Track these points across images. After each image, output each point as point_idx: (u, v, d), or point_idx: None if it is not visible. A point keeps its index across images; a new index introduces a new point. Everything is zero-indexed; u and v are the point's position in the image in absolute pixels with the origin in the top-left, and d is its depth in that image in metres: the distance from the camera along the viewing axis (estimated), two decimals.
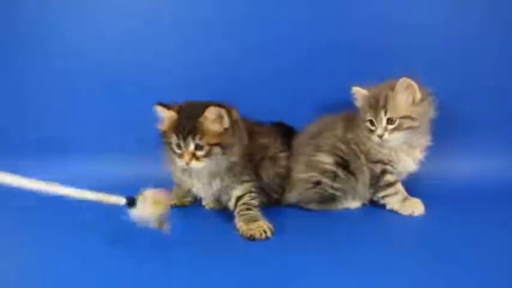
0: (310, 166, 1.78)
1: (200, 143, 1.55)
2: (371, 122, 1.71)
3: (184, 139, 1.55)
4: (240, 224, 1.57)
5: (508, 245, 1.46)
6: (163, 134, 1.61)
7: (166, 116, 1.60)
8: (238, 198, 1.65)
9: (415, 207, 1.72)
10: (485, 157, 2.05)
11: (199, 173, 1.64)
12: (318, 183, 1.77)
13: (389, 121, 1.67)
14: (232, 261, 1.38)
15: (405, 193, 1.76)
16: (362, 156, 1.76)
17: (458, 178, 2.00)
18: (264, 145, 1.79)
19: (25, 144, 2.16)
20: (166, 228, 1.40)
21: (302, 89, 2.07)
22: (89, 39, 2.11)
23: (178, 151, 1.58)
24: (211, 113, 1.54)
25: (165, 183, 1.59)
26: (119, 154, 2.13)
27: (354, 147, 1.76)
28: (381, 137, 1.68)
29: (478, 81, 2.05)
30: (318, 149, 1.79)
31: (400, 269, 1.32)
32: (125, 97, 2.12)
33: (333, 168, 1.76)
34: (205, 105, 1.55)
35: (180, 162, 1.58)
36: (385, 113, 1.66)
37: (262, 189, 1.73)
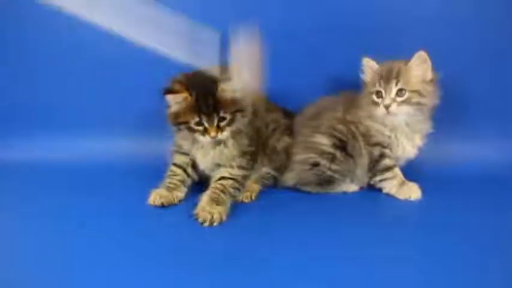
0: (308, 147, 1.77)
1: (223, 115, 1.57)
2: (378, 93, 1.69)
3: (209, 116, 1.56)
4: (203, 197, 1.57)
5: (502, 229, 1.47)
6: (177, 116, 1.58)
7: (178, 100, 1.56)
8: (222, 178, 1.64)
9: (412, 192, 1.72)
10: (484, 143, 2.05)
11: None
12: (315, 164, 1.75)
13: (399, 92, 1.65)
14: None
15: (403, 177, 1.76)
16: (361, 139, 1.75)
17: (457, 163, 2.00)
18: (273, 118, 1.83)
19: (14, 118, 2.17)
20: None
21: (299, 71, 2.06)
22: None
23: (199, 128, 1.58)
24: (227, 85, 1.56)
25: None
26: (108, 129, 2.15)
27: (353, 128, 1.75)
28: (387, 107, 1.66)
29: (477, 66, 2.04)
30: (316, 130, 1.78)
31: (393, 254, 1.32)
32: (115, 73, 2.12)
33: (331, 149, 1.75)
34: (214, 78, 1.57)
35: (204, 139, 1.58)
36: (396, 83, 1.65)
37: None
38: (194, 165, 1.71)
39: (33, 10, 2.06)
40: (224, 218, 1.50)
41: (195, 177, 1.73)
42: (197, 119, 1.56)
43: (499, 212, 1.60)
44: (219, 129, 1.57)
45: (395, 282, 1.17)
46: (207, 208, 1.51)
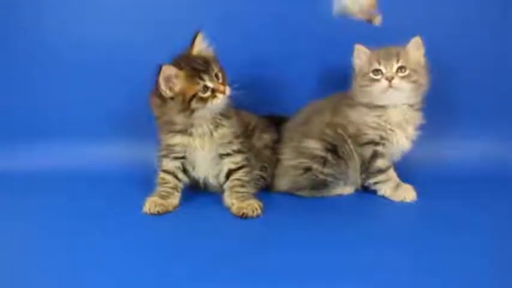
0: (300, 152, 1.77)
1: (216, 70, 1.60)
2: (376, 71, 1.68)
3: (209, 74, 1.58)
4: (232, 201, 1.62)
5: (498, 230, 1.46)
6: (184, 92, 1.56)
7: (173, 73, 1.55)
8: (231, 172, 1.67)
9: (407, 194, 1.71)
10: (480, 143, 2.03)
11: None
12: (308, 169, 1.75)
13: (400, 70, 1.67)
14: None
15: (397, 179, 1.74)
16: (350, 141, 1.74)
17: (453, 164, 1.98)
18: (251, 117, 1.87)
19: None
20: (378, 21, 1.47)
21: (291, 73, 2.05)
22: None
23: (207, 94, 1.57)
24: (198, 44, 1.61)
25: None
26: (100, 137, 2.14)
27: (341, 131, 1.75)
28: (390, 80, 1.66)
29: (474, 65, 2.02)
30: (306, 135, 1.77)
31: (388, 258, 1.31)
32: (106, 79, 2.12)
33: (322, 153, 1.74)
34: (187, 48, 1.62)
35: (218, 101, 1.58)
36: (397, 61, 1.67)
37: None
38: (185, 170, 1.71)
39: (33, 15, 2.08)
40: (259, 204, 1.60)
41: (186, 180, 1.72)
42: (202, 82, 1.56)
43: (495, 212, 1.59)
44: (223, 84, 1.59)
45: (392, 285, 1.16)
46: (242, 204, 1.58)
